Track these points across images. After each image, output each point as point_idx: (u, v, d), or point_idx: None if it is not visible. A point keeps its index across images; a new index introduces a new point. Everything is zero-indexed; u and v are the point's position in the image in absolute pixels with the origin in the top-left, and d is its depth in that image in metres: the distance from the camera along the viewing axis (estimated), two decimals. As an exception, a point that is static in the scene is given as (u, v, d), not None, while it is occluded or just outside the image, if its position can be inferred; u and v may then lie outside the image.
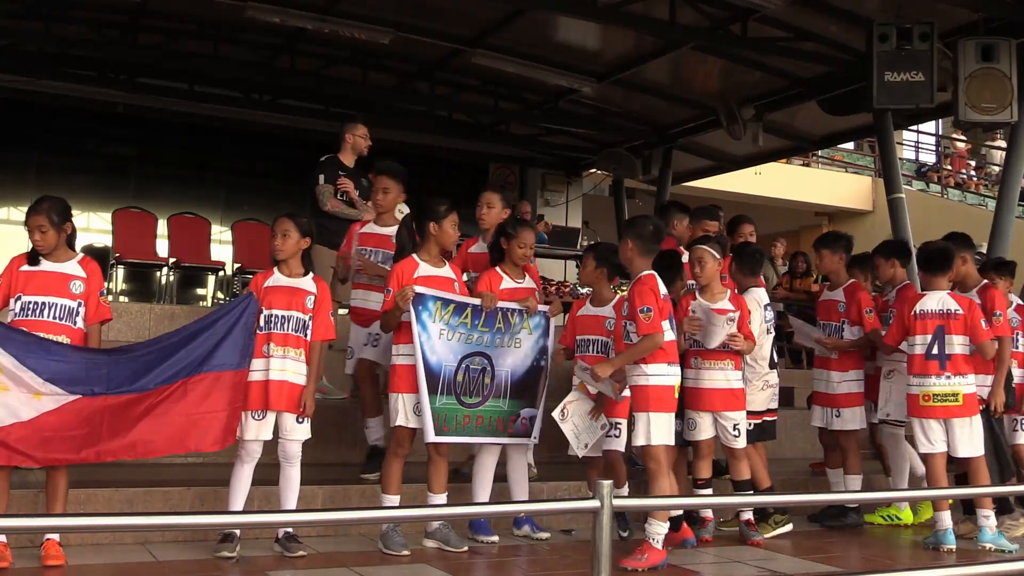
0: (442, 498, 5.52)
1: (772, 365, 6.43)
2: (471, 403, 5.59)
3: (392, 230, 6.12)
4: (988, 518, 5.93)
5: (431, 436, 5.41)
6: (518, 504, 5.84)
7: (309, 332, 5.31)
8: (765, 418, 6.39)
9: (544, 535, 5.89)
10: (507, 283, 5.83)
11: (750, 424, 6.19)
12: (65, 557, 4.82)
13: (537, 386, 5.83)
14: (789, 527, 6.27)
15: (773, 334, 6.53)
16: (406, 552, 5.32)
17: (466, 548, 5.49)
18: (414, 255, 5.57)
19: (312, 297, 5.35)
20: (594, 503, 3.49)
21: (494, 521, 5.86)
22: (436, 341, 5.46)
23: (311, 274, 5.44)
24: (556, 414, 5.63)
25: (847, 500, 6.67)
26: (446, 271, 5.66)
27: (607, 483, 3.51)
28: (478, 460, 5.82)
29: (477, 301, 5.65)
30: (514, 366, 5.76)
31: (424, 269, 5.53)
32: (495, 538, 5.72)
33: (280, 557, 5.15)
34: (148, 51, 10.70)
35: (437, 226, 5.55)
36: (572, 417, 5.65)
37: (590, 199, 14.84)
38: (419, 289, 5.42)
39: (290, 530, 5.22)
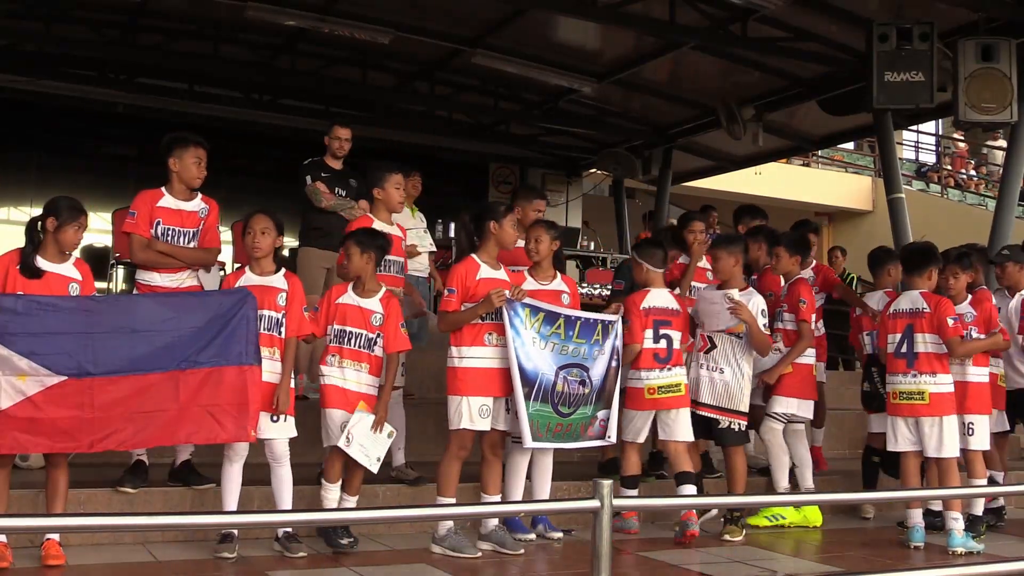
0: (497, 499, 5.53)
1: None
2: (566, 412, 5.58)
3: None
4: (957, 521, 5.88)
5: (529, 442, 5.41)
6: (517, 504, 5.81)
7: (283, 329, 5.29)
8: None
9: (557, 535, 5.83)
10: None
11: (739, 425, 6.13)
12: (65, 557, 4.81)
13: (614, 387, 5.80)
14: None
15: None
16: (479, 553, 5.34)
17: (521, 551, 5.45)
18: (474, 256, 5.53)
19: (283, 294, 5.31)
20: (594, 503, 3.47)
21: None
22: (531, 348, 5.44)
23: (282, 270, 5.40)
24: (341, 443, 5.26)
25: (840, 501, 6.66)
26: (502, 274, 5.57)
27: (607, 483, 3.50)
28: (510, 460, 5.76)
29: (569, 311, 5.65)
30: (601, 373, 5.72)
31: (485, 271, 5.49)
32: (532, 536, 5.72)
33: (280, 557, 5.14)
34: (148, 51, 10.71)
35: (498, 225, 5.51)
36: (356, 440, 5.29)
37: (590, 199, 14.84)
38: (528, 301, 5.44)
39: (290, 530, 5.21)
